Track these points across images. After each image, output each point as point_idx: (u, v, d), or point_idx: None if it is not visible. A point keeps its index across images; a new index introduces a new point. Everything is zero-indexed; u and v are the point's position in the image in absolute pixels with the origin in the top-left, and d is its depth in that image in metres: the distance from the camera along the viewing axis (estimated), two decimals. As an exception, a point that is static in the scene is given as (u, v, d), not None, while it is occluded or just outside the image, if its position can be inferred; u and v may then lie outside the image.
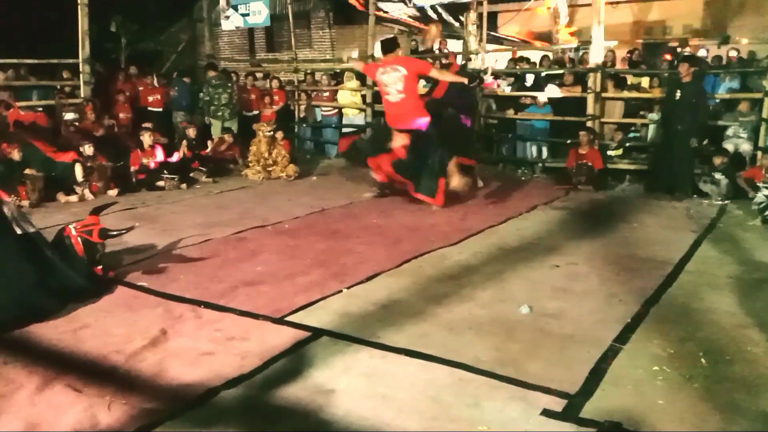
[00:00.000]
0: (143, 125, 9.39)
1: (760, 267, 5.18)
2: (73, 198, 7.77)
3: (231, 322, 3.95)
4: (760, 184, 7.07)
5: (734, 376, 3.27)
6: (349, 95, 11.56)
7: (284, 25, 13.28)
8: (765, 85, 8.21)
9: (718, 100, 9.03)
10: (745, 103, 8.38)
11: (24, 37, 13.10)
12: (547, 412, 2.90)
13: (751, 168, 7.77)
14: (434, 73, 7.06)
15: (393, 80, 6.79)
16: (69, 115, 9.68)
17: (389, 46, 7.23)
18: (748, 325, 3.90)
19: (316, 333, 3.76)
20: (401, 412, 2.91)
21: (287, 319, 4.00)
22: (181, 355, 3.49)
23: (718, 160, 7.78)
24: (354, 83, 11.50)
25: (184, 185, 8.71)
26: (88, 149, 8.21)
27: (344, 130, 11.71)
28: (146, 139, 8.79)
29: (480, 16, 10.58)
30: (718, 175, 7.69)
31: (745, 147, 8.25)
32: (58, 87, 10.45)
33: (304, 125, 12.29)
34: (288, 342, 3.63)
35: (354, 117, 11.56)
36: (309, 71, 12.78)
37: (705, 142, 8.23)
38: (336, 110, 11.86)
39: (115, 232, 4.86)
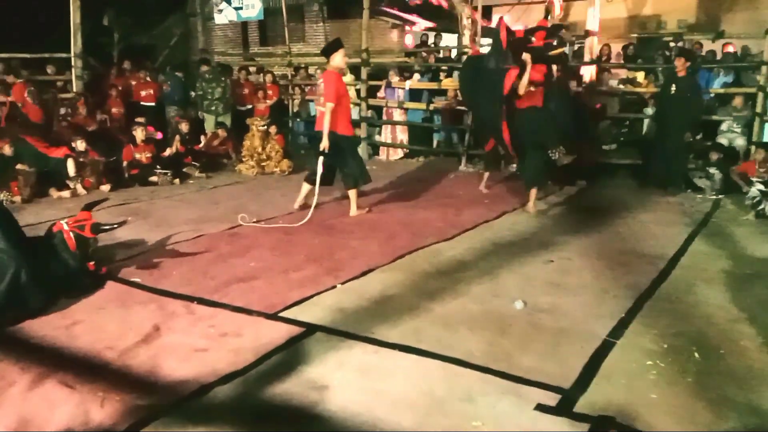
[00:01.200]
0: (136, 120, 9.35)
1: (752, 262, 5.20)
2: (66, 193, 7.74)
3: (224, 318, 3.94)
4: (754, 179, 7.10)
5: (726, 370, 3.29)
6: (343, 90, 11.51)
7: (278, 19, 13.24)
8: (758, 80, 8.22)
9: (712, 95, 9.05)
10: (739, 98, 8.39)
11: (15, 31, 13.01)
12: (540, 407, 2.90)
13: (744, 162, 7.79)
14: (326, 106, 6.23)
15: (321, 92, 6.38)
16: (61, 110, 9.62)
17: (327, 50, 6.58)
18: (741, 320, 3.92)
19: (310, 329, 3.75)
20: (395, 407, 2.90)
21: (281, 314, 3.99)
22: (174, 351, 3.48)
23: (714, 156, 7.79)
24: (348, 78, 11.45)
25: (177, 180, 8.68)
26: (80, 144, 8.17)
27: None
28: (139, 133, 8.75)
29: (475, 10, 10.55)
30: (712, 170, 7.71)
31: (739, 141, 8.28)
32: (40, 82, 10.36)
33: (298, 120, 12.26)
34: (282, 338, 3.63)
35: (348, 111, 11.52)
36: (303, 65, 12.74)
37: (699, 136, 8.25)
38: (330, 105, 11.81)
39: (107, 227, 4.84)
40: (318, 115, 6.57)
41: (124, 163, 8.60)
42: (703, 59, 10.29)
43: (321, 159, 6.41)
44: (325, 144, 6.26)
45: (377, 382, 3.13)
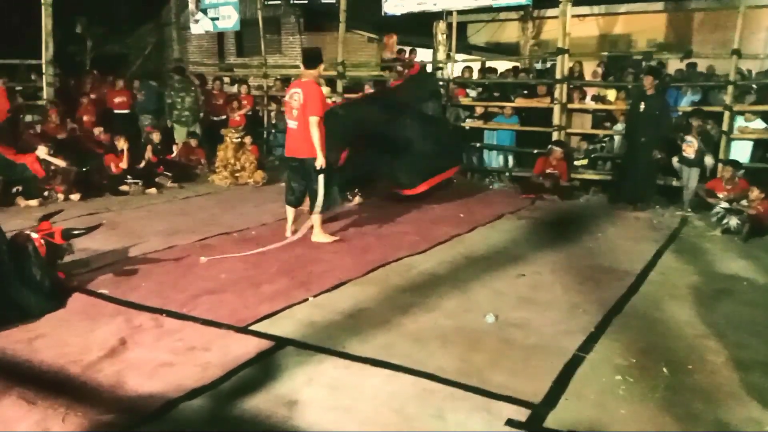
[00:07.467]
0: (103, 128, 9.26)
1: (719, 277, 5.29)
2: (33, 202, 7.59)
3: (192, 332, 3.87)
4: (720, 195, 7.24)
5: (694, 386, 3.32)
6: (318, 102, 11.51)
7: (254, 31, 13.18)
8: (725, 99, 8.41)
9: (680, 113, 9.22)
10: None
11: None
12: (510, 423, 2.90)
13: (712, 180, 7.94)
14: (311, 120, 5.66)
15: (295, 103, 5.77)
16: (29, 117, 9.47)
17: (313, 58, 5.88)
18: (708, 335, 3.98)
19: (280, 343, 3.71)
20: (364, 424, 2.88)
21: (251, 328, 3.93)
22: (140, 365, 3.40)
23: (695, 123, 7.91)
24: (325, 90, 11.44)
25: (150, 190, 8.56)
26: (41, 151, 7.92)
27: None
28: (120, 143, 8.62)
29: (449, 26, 10.66)
30: (689, 137, 7.79)
31: (707, 160, 8.41)
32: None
33: (273, 131, 12.21)
34: (251, 352, 3.58)
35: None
36: (278, 77, 12.71)
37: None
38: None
39: (78, 232, 4.74)
40: (295, 131, 5.84)
41: (114, 171, 8.51)
42: (671, 78, 10.50)
43: (321, 179, 5.80)
44: (321, 161, 5.71)
45: (347, 398, 3.10)
